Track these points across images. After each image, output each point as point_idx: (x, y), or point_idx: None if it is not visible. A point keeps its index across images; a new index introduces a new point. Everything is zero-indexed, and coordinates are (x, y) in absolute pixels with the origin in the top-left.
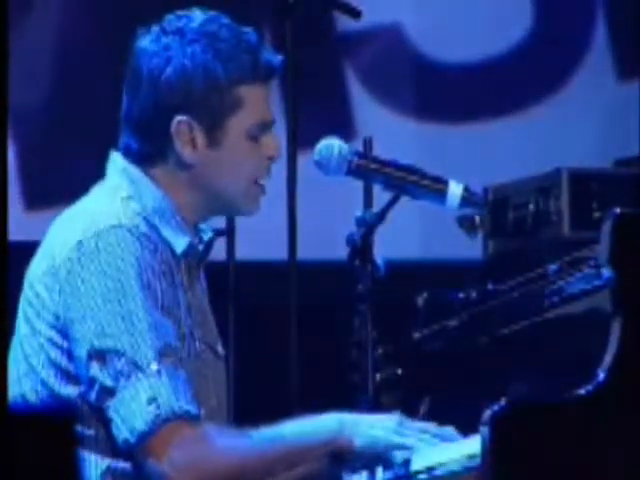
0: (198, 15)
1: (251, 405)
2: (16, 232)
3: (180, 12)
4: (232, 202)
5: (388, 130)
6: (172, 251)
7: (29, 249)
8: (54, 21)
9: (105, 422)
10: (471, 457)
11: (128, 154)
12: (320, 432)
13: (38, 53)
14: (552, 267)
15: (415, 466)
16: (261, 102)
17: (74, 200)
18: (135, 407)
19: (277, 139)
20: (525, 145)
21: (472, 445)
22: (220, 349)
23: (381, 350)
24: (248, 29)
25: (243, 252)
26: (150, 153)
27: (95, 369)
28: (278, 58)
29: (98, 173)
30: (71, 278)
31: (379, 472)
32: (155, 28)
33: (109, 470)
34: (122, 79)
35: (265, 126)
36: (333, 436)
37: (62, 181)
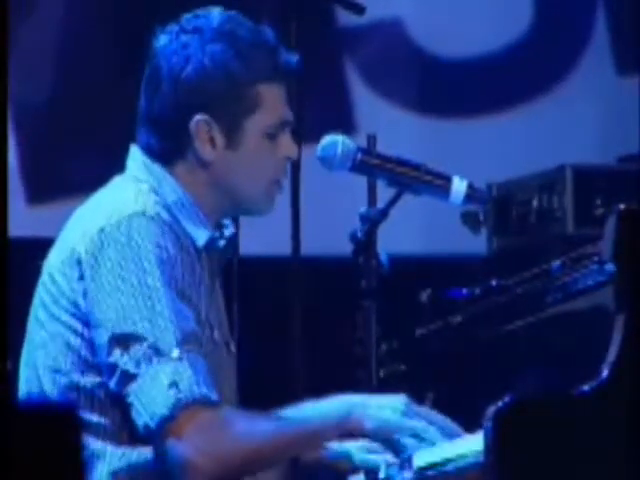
0: (216, 14)
1: (254, 401)
2: (18, 227)
3: (198, 11)
4: (250, 202)
5: (390, 125)
6: (194, 244)
7: (31, 244)
8: (58, 17)
9: (125, 409)
10: (476, 453)
11: (148, 152)
12: (331, 414)
13: (41, 49)
14: (556, 263)
15: (419, 462)
16: (279, 102)
17: (76, 195)
18: (156, 392)
19: (293, 140)
20: (526, 141)
21: (477, 441)
22: (233, 347)
23: (385, 346)
24: (266, 28)
25: (247, 247)
26: (169, 151)
27: (116, 355)
28: (295, 58)
29: (100, 168)
30: (93, 265)
31: (382, 470)
32: (174, 27)
33: (124, 459)
34: (124, 75)
35: (283, 126)
36: (344, 418)
37: (64, 176)
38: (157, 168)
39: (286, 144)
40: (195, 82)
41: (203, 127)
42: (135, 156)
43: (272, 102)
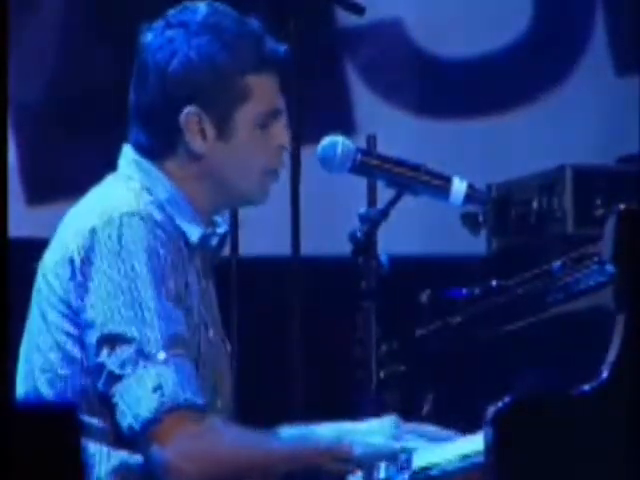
0: (202, 7)
1: (254, 401)
2: (17, 228)
3: (184, 5)
4: (244, 193)
5: (390, 126)
6: (187, 241)
7: (30, 245)
8: (58, 17)
9: (112, 409)
10: (476, 453)
11: (139, 149)
12: (320, 439)
13: (41, 49)
14: (556, 264)
15: (419, 462)
16: (268, 91)
17: (76, 196)
18: (140, 394)
19: (287, 127)
20: (526, 141)
21: (466, 445)
22: (228, 346)
23: (385, 347)
24: (252, 19)
25: (247, 247)
26: (160, 146)
27: (104, 355)
28: (283, 48)
29: (100, 168)
30: (84, 265)
31: (381, 471)
32: (159, 22)
33: (122, 461)
34: (123, 76)
35: (274, 115)
36: (333, 444)
37: (64, 177)
38: (148, 165)
39: (278, 133)
40: (182, 75)
41: (193, 119)
42: (127, 155)
43: (261, 92)
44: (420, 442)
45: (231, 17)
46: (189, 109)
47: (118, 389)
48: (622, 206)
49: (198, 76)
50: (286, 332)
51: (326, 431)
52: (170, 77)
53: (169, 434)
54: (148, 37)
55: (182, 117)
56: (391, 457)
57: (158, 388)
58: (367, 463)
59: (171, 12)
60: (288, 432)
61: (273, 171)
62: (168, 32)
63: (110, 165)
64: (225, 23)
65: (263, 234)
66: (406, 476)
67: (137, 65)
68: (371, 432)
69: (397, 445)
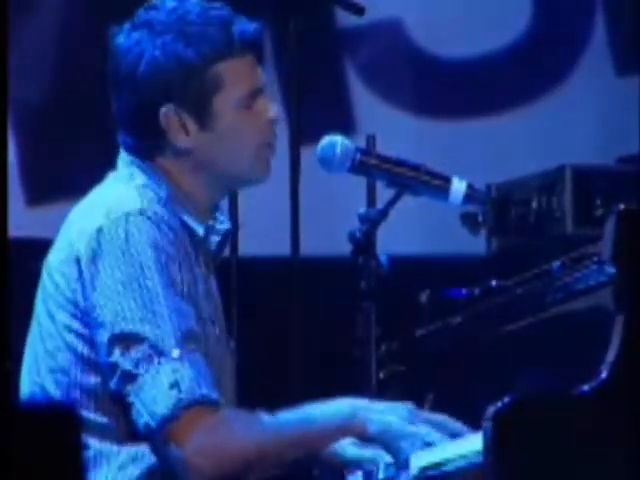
0: (167, 3)
1: (254, 400)
2: (17, 228)
3: (150, 3)
4: (241, 175)
5: (388, 126)
6: (193, 236)
7: (30, 245)
8: (58, 17)
9: (125, 408)
10: (476, 453)
11: (128, 150)
12: (334, 417)
13: (40, 49)
14: (555, 264)
15: (419, 462)
16: (243, 75)
17: (76, 195)
18: (157, 392)
19: (271, 102)
20: (526, 141)
21: (477, 441)
22: (232, 343)
23: (384, 347)
24: (218, 5)
25: (247, 248)
26: (147, 147)
27: (116, 355)
28: (254, 27)
29: (100, 169)
30: (91, 265)
31: (381, 471)
32: (127, 24)
33: (129, 459)
34: None
35: (254, 94)
36: (347, 421)
37: (63, 177)
38: (145, 164)
39: (262, 109)
40: (152, 76)
41: (172, 117)
42: (123, 156)
43: (234, 77)
44: (432, 431)
45: (195, 8)
46: (166, 108)
47: (133, 388)
48: (622, 206)
49: (167, 75)
50: (286, 332)
51: (340, 407)
52: (141, 79)
53: (187, 431)
54: (117, 40)
55: (161, 117)
56: (402, 438)
57: (174, 385)
58: (380, 442)
59: (138, 12)
60: (302, 412)
61: (267, 144)
62: (134, 34)
63: (110, 165)
64: (189, 17)
65: (263, 234)
66: (405, 476)
67: (110, 69)
68: (386, 411)
69: (410, 428)
